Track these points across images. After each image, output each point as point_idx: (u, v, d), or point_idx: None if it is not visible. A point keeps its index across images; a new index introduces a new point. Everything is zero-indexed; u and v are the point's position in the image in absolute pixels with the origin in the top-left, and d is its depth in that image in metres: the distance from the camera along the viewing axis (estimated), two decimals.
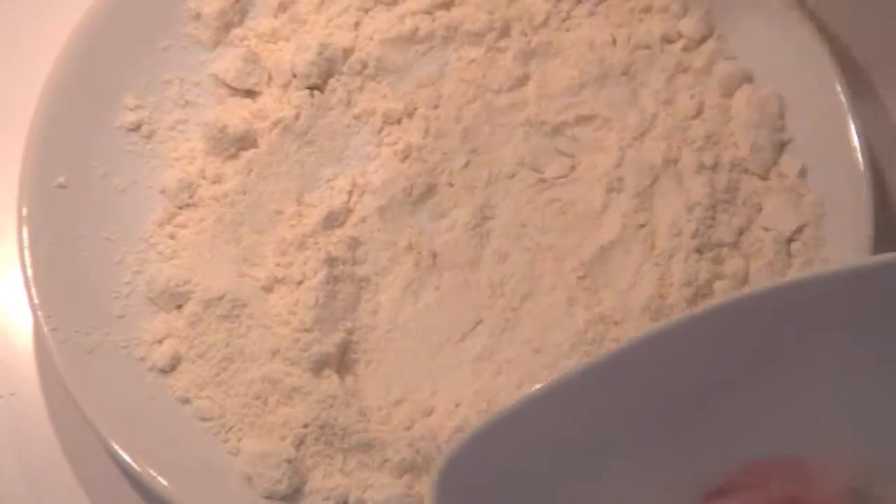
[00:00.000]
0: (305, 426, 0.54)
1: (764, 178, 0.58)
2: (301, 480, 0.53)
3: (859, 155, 0.57)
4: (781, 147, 0.58)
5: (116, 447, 0.53)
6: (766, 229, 0.57)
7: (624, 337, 0.55)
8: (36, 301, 0.55)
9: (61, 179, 0.58)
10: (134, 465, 0.52)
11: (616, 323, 0.55)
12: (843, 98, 0.58)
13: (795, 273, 0.56)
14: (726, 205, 0.57)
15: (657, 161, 0.58)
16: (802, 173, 0.58)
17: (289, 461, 0.53)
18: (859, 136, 0.57)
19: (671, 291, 0.55)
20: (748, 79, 0.60)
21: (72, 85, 0.59)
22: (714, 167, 0.58)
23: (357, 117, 0.60)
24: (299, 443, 0.54)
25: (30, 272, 0.55)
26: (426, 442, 0.53)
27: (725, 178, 0.58)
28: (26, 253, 0.56)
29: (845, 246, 0.56)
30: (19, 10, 0.66)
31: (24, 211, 0.57)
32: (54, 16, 0.64)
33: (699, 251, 0.56)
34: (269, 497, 0.53)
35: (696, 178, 0.58)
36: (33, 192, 0.57)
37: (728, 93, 0.60)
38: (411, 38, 0.61)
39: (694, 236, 0.56)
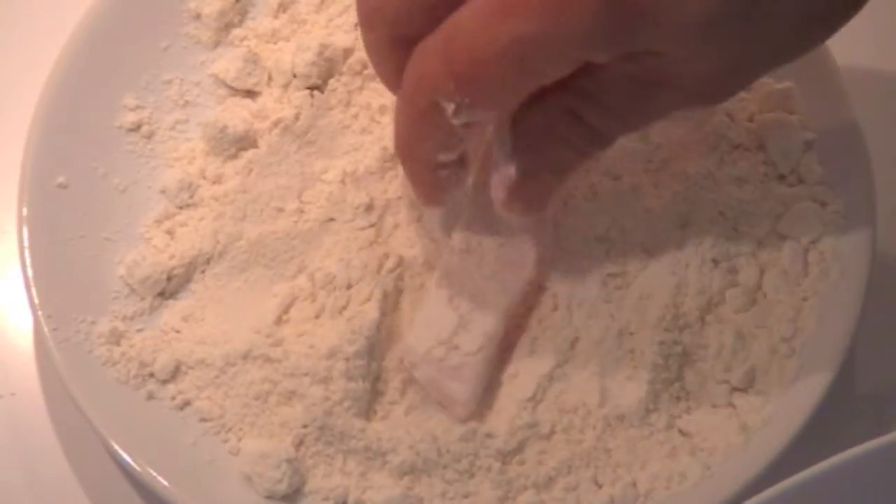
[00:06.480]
0: (305, 426, 0.54)
1: (790, 184, 0.56)
2: (301, 480, 0.53)
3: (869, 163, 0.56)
4: (805, 148, 0.57)
5: (116, 447, 0.53)
6: (785, 237, 0.55)
7: (639, 348, 0.54)
8: (36, 301, 0.55)
9: (61, 179, 0.58)
10: (134, 465, 0.52)
11: (631, 333, 0.54)
12: (851, 110, 0.56)
13: (810, 283, 0.55)
14: (749, 215, 0.56)
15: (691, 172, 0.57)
16: (825, 181, 0.56)
17: (289, 461, 0.53)
18: (862, 145, 0.56)
19: (685, 301, 0.55)
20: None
21: (72, 85, 0.59)
22: (743, 178, 0.56)
23: (356, 117, 0.60)
24: (299, 443, 0.54)
25: (30, 272, 0.55)
26: (426, 443, 0.53)
27: (752, 187, 0.56)
28: (26, 253, 0.56)
29: (860, 257, 0.54)
30: (19, 10, 0.66)
31: (24, 211, 0.57)
32: (54, 16, 0.64)
33: (715, 261, 0.55)
34: (269, 497, 0.53)
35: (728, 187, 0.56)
36: (33, 192, 0.57)
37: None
38: None
39: (714, 245, 0.55)
